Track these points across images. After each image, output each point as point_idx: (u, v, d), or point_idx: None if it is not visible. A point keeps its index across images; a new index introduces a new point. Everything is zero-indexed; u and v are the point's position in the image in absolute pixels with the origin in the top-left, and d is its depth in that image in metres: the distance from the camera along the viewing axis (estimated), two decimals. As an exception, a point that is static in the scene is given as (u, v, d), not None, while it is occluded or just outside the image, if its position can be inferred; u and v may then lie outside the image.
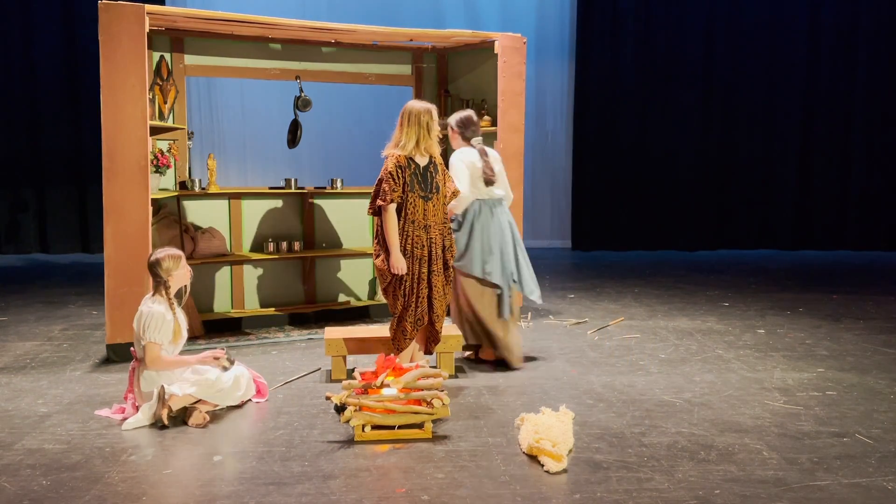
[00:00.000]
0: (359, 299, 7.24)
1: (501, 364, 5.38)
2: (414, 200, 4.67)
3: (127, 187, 5.41)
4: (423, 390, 4.13)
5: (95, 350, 5.86)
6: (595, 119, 11.96)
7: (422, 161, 4.75)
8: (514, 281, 5.40)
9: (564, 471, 3.60)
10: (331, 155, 11.43)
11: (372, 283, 7.29)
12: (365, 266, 7.23)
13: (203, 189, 6.57)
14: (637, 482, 3.49)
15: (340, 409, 4.15)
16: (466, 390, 4.88)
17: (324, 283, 7.12)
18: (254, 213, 6.87)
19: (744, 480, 3.52)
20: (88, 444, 3.94)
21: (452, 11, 11.91)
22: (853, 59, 12.00)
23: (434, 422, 4.11)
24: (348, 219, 7.19)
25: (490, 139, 6.84)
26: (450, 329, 5.29)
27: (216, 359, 4.53)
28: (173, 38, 6.43)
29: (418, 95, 7.26)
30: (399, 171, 4.65)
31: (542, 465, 3.63)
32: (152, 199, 5.61)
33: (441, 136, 4.90)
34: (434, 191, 4.73)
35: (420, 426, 4.05)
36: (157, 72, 6.33)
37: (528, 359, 5.64)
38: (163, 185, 6.40)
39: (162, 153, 6.27)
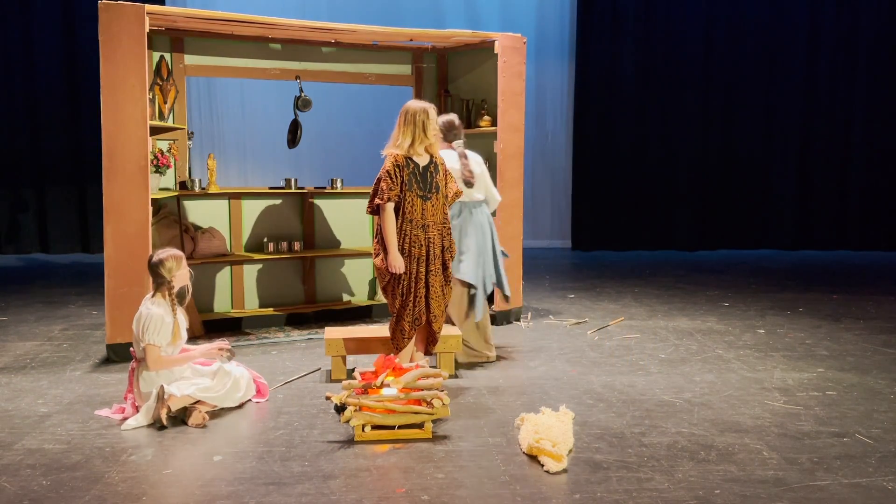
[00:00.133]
0: (359, 299, 7.24)
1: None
2: (412, 199, 4.67)
3: (127, 187, 5.42)
4: (423, 390, 4.12)
5: (95, 350, 5.86)
6: (595, 119, 11.96)
7: (421, 161, 4.75)
8: (494, 283, 5.58)
9: (564, 471, 3.60)
10: (331, 155, 11.44)
11: (372, 283, 7.29)
12: (365, 266, 7.23)
13: (203, 189, 6.57)
14: (637, 482, 3.49)
15: (340, 409, 4.15)
16: (466, 390, 4.88)
17: (324, 283, 7.12)
18: (254, 213, 6.87)
19: (744, 480, 3.52)
20: (88, 444, 3.94)
21: (452, 11, 11.91)
22: (853, 59, 12.01)
23: (434, 422, 4.11)
24: (348, 219, 7.19)
25: (490, 139, 6.84)
26: (450, 329, 5.29)
27: (220, 350, 4.54)
28: (173, 38, 6.43)
29: (418, 95, 7.26)
30: (397, 169, 4.66)
31: (542, 465, 3.63)
32: (152, 199, 5.61)
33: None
34: (434, 191, 4.73)
35: (420, 426, 4.05)
36: (157, 72, 6.33)
37: (528, 359, 5.66)
38: (163, 185, 6.40)
39: (162, 153, 6.27)
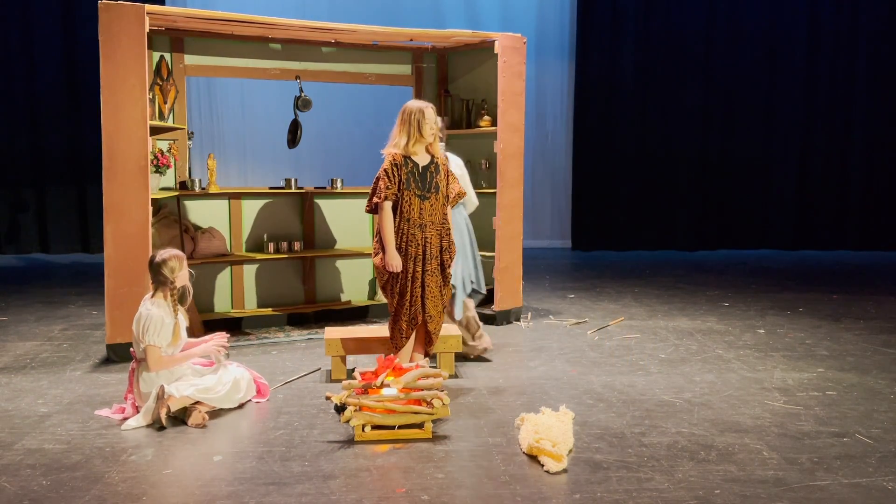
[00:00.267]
0: (359, 299, 7.23)
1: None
2: (410, 198, 4.68)
3: (127, 187, 5.42)
4: (423, 390, 4.13)
5: (95, 350, 5.86)
6: (595, 119, 11.96)
7: (421, 160, 4.76)
8: (471, 282, 5.71)
9: (564, 471, 3.60)
10: (331, 155, 11.44)
11: (372, 283, 7.29)
12: (365, 266, 7.23)
13: (203, 189, 6.57)
14: (637, 482, 3.49)
15: (340, 409, 4.15)
16: (466, 390, 4.88)
17: (324, 283, 7.12)
18: (254, 213, 6.87)
19: (744, 480, 3.52)
20: (88, 444, 3.94)
21: (452, 11, 11.90)
22: (853, 59, 12.01)
23: (434, 422, 4.11)
24: (348, 219, 7.19)
25: (490, 139, 6.84)
26: (450, 329, 5.30)
27: (219, 348, 4.54)
28: (173, 38, 6.43)
29: (418, 95, 7.26)
30: (395, 168, 4.68)
31: (542, 465, 3.63)
32: (152, 199, 5.61)
33: (442, 137, 4.91)
34: (433, 190, 4.73)
35: (420, 426, 4.05)
36: (157, 72, 6.33)
37: (528, 359, 5.66)
38: (163, 185, 6.40)
39: (162, 153, 6.27)
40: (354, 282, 7.24)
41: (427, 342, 4.90)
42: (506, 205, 6.66)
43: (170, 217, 6.41)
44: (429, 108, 4.73)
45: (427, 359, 4.97)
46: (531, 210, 11.74)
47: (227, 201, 6.78)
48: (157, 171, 6.18)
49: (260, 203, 6.90)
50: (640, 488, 3.42)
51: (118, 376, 5.11)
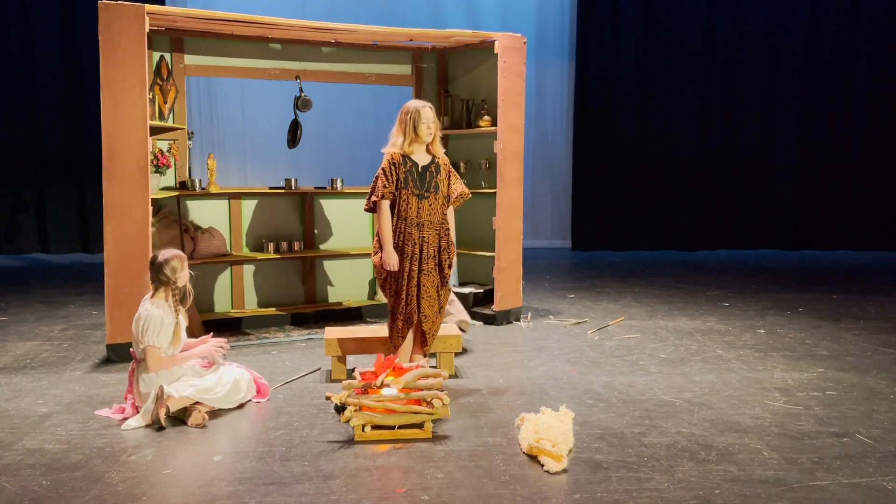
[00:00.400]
0: (359, 299, 7.24)
1: None
2: (407, 198, 4.70)
3: (127, 187, 5.42)
4: (423, 390, 4.13)
5: (95, 350, 5.86)
6: (595, 119, 11.96)
7: (421, 160, 4.76)
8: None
9: (564, 471, 3.60)
10: (331, 155, 11.44)
11: (372, 283, 7.29)
12: (365, 266, 7.24)
13: (203, 189, 6.58)
14: (637, 482, 3.49)
15: (340, 409, 4.15)
16: (466, 390, 4.88)
17: (324, 283, 7.13)
18: (254, 213, 6.87)
19: (744, 480, 3.52)
20: (88, 444, 3.94)
21: (452, 11, 11.90)
22: (853, 59, 12.00)
23: (434, 422, 4.11)
24: (348, 219, 7.19)
25: (490, 139, 6.84)
26: (450, 329, 5.30)
27: (217, 348, 4.54)
28: (173, 38, 6.43)
29: (418, 95, 7.26)
30: (392, 167, 4.71)
31: (542, 465, 3.63)
32: (152, 199, 5.61)
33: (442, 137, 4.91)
34: (432, 190, 4.74)
35: (420, 426, 4.05)
36: (157, 72, 6.33)
37: (528, 359, 5.66)
38: (163, 185, 6.40)
39: (162, 153, 6.27)
40: (354, 282, 7.24)
41: (422, 342, 4.90)
42: (506, 205, 6.66)
43: (170, 217, 6.41)
44: (425, 108, 4.73)
45: (427, 359, 4.97)
46: (531, 210, 11.75)
47: (227, 201, 6.78)
48: (157, 171, 6.18)
49: (260, 203, 6.90)
50: (640, 488, 3.42)
51: (118, 376, 5.11)
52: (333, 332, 5.30)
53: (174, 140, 6.48)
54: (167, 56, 6.41)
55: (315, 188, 7.12)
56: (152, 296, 4.45)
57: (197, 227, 6.60)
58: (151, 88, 6.05)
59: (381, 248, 4.77)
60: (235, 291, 6.78)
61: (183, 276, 4.46)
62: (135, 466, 3.67)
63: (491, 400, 4.68)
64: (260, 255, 6.71)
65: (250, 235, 6.86)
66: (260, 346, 6.04)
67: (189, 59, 6.54)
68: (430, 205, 4.74)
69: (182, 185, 6.49)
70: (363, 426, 4.00)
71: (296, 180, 7.01)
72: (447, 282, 4.89)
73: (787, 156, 12.10)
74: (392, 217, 4.75)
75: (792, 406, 4.58)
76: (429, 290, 4.78)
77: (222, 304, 6.74)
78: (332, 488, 3.42)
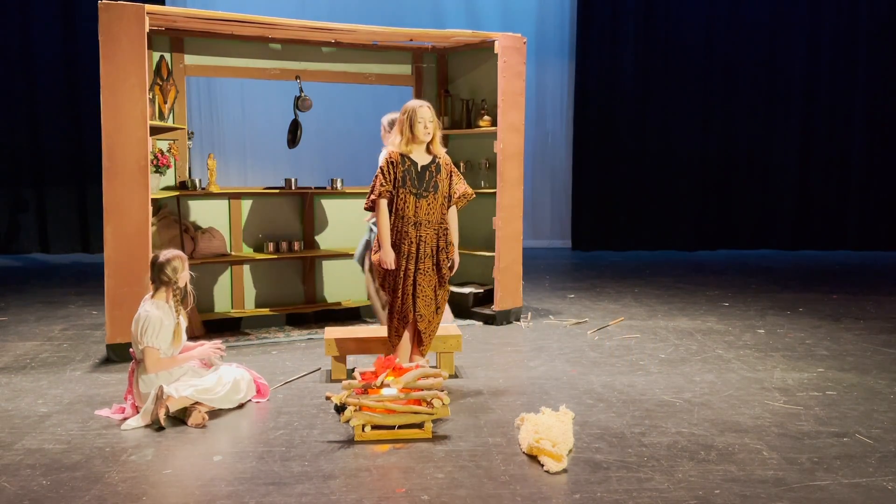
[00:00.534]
0: (359, 299, 7.23)
1: None
2: (405, 196, 4.71)
3: (127, 187, 5.42)
4: (423, 390, 4.13)
5: (95, 350, 5.86)
6: (595, 119, 11.96)
7: (421, 159, 4.77)
8: None
9: (564, 471, 3.60)
10: (331, 155, 11.43)
11: (372, 283, 7.29)
12: (365, 266, 7.23)
13: (203, 189, 6.57)
14: (637, 482, 3.49)
15: (340, 409, 4.15)
16: (466, 390, 4.88)
17: (323, 283, 7.12)
18: (254, 213, 6.87)
19: (744, 480, 3.52)
20: (88, 444, 3.94)
21: (452, 11, 11.90)
22: (853, 59, 12.01)
23: (434, 422, 4.11)
24: (348, 219, 7.18)
25: (490, 139, 6.84)
26: (450, 329, 5.30)
27: (216, 350, 4.54)
28: (173, 38, 6.43)
29: (418, 95, 7.26)
30: (390, 166, 4.74)
31: (542, 465, 3.63)
32: (152, 199, 5.61)
33: (439, 137, 4.90)
34: (431, 190, 4.74)
35: (420, 426, 4.05)
36: (157, 72, 6.33)
37: (528, 359, 5.66)
38: (163, 185, 6.40)
39: (162, 153, 6.28)
40: (354, 282, 7.22)
41: (418, 341, 4.89)
42: (506, 205, 6.66)
43: (170, 217, 6.41)
44: (423, 108, 4.73)
45: (427, 359, 4.97)
46: (531, 210, 11.75)
47: (227, 201, 6.78)
48: (157, 171, 6.18)
49: (260, 203, 6.90)
50: (640, 488, 3.42)
51: (118, 376, 5.11)
52: (333, 332, 5.30)
53: (174, 140, 6.48)
54: (167, 56, 6.41)
55: (315, 188, 7.12)
56: (152, 296, 4.44)
57: (197, 227, 6.60)
58: (151, 88, 6.05)
59: (379, 246, 4.79)
60: (235, 291, 6.78)
61: (184, 277, 4.46)
62: (135, 466, 3.67)
63: (491, 400, 4.68)
64: (260, 255, 6.71)
65: (250, 235, 6.86)
66: (260, 346, 6.04)
67: (189, 59, 6.54)
68: (429, 204, 4.74)
69: (182, 185, 6.49)
70: (363, 426, 4.00)
71: (296, 180, 7.01)
72: (445, 282, 4.88)
73: (787, 156, 12.10)
74: (390, 216, 4.77)
75: (792, 406, 4.58)
76: (425, 289, 4.78)
77: (222, 304, 6.74)
78: (332, 488, 3.42)
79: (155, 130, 6.17)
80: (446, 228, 4.83)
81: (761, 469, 3.64)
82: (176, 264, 4.41)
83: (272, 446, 3.92)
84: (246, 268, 6.82)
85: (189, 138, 6.63)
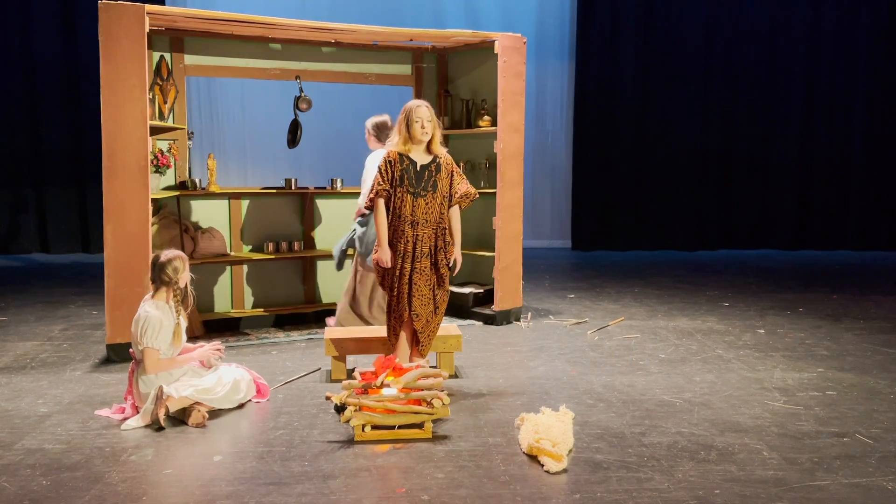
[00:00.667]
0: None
1: None
2: (402, 195, 4.72)
3: (127, 187, 5.42)
4: (423, 390, 4.13)
5: (95, 350, 5.86)
6: (595, 119, 11.96)
7: (420, 158, 4.77)
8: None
9: (564, 471, 3.60)
10: (331, 155, 11.43)
11: (372, 283, 7.28)
12: (365, 266, 7.23)
13: (203, 189, 6.57)
14: (637, 482, 3.49)
15: (340, 409, 4.15)
16: (466, 390, 4.88)
17: (323, 283, 7.12)
18: (254, 213, 6.87)
19: (744, 480, 3.52)
20: (88, 444, 3.94)
21: (452, 11, 11.90)
22: (853, 59, 12.01)
23: (434, 422, 4.11)
24: (348, 219, 7.16)
25: (490, 139, 6.84)
26: (449, 329, 5.30)
27: (215, 351, 4.54)
28: (173, 38, 6.43)
29: (418, 95, 7.26)
30: (388, 166, 4.76)
31: (542, 465, 3.63)
32: (152, 199, 5.61)
33: (440, 136, 4.90)
34: (429, 189, 4.74)
35: (420, 426, 4.05)
36: (157, 72, 6.33)
37: (528, 359, 5.66)
38: (163, 185, 6.40)
39: (162, 153, 6.28)
40: (354, 282, 7.23)
41: (416, 341, 4.89)
42: (506, 205, 6.66)
43: (170, 217, 6.41)
44: (420, 108, 4.73)
45: (427, 359, 4.97)
46: (531, 210, 11.74)
47: (227, 201, 6.78)
48: (157, 171, 6.18)
49: (260, 203, 6.90)
50: (640, 488, 3.42)
51: (118, 376, 5.11)
52: (333, 333, 5.30)
53: (174, 140, 6.48)
54: (167, 56, 6.41)
55: (315, 188, 7.12)
56: (153, 296, 4.44)
57: (197, 227, 6.60)
58: (151, 88, 6.05)
59: (378, 244, 4.83)
60: (235, 291, 6.77)
61: (184, 277, 4.45)
62: (135, 466, 3.67)
63: (491, 400, 4.68)
64: (260, 256, 6.71)
65: (250, 235, 6.86)
66: (260, 346, 6.04)
67: (189, 59, 6.54)
68: (427, 203, 4.74)
69: (182, 185, 6.49)
70: (363, 426, 4.00)
71: (296, 180, 7.01)
72: (445, 282, 4.86)
73: (787, 156, 12.10)
74: (388, 215, 4.79)
75: (792, 406, 4.58)
76: (421, 288, 4.78)
77: (222, 304, 6.74)
78: (332, 488, 3.42)
79: (155, 130, 6.17)
80: (445, 228, 4.82)
81: (761, 469, 3.64)
82: (177, 264, 4.40)
83: (272, 446, 3.92)
84: (246, 268, 6.82)
85: (189, 138, 6.63)
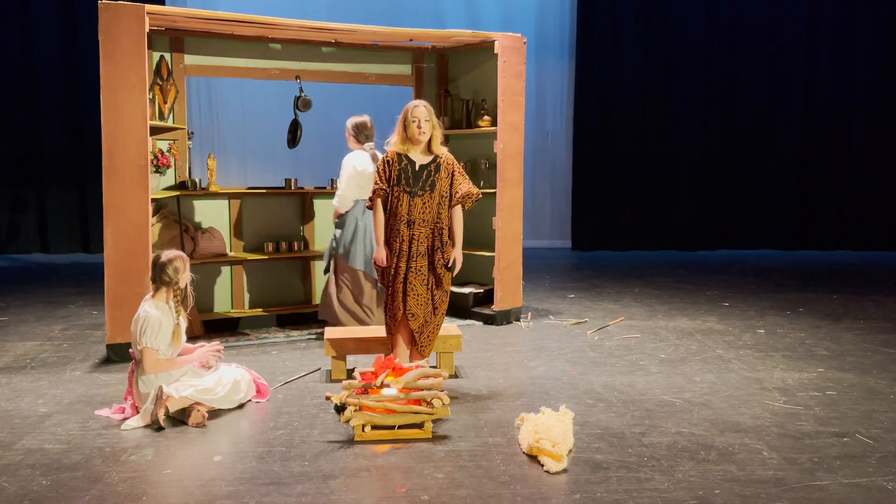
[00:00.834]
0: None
1: None
2: (399, 195, 4.74)
3: (127, 187, 5.42)
4: (423, 390, 4.13)
5: (95, 350, 5.86)
6: (595, 119, 11.96)
7: (420, 158, 4.77)
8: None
9: (564, 471, 3.60)
10: (331, 155, 11.38)
11: (372, 283, 7.28)
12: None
13: (203, 189, 6.58)
14: (637, 482, 3.49)
15: (340, 409, 4.15)
16: (466, 390, 4.88)
17: (323, 284, 7.10)
18: (254, 213, 6.87)
19: (744, 480, 3.52)
20: (88, 444, 3.94)
21: (452, 11, 11.90)
22: (853, 59, 12.01)
23: (434, 422, 4.11)
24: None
25: (490, 139, 6.85)
26: (449, 329, 5.30)
27: (215, 352, 4.54)
28: (173, 38, 6.43)
29: (418, 95, 7.27)
30: (386, 165, 4.79)
31: (542, 465, 3.63)
32: (152, 199, 5.61)
33: (440, 136, 4.90)
34: (427, 189, 4.74)
35: (420, 426, 4.05)
36: (157, 72, 6.33)
37: (528, 359, 5.66)
38: (163, 185, 6.40)
39: (162, 153, 6.28)
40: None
41: (413, 342, 4.87)
42: (506, 205, 6.66)
43: (170, 217, 6.41)
44: (418, 108, 4.73)
45: (427, 359, 4.96)
46: (531, 210, 11.74)
47: (227, 201, 6.78)
48: (157, 171, 6.18)
49: (260, 203, 6.90)
50: (640, 488, 3.42)
51: (118, 376, 5.11)
52: (333, 332, 5.30)
53: (174, 140, 6.48)
54: (167, 56, 6.40)
55: (315, 188, 7.12)
56: (153, 296, 4.44)
57: (197, 227, 6.60)
58: (151, 88, 6.05)
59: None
60: (235, 291, 6.78)
61: (185, 278, 4.45)
62: (135, 466, 3.67)
63: (491, 400, 4.68)
64: (260, 255, 6.71)
65: (250, 235, 6.86)
66: (260, 346, 6.04)
67: (189, 59, 6.54)
68: (424, 203, 4.74)
69: (182, 185, 6.49)
70: (363, 426, 4.00)
71: (296, 180, 7.01)
72: (443, 282, 4.84)
73: (787, 156, 12.10)
74: (386, 214, 4.81)
75: (792, 406, 4.58)
76: (416, 288, 4.77)
77: (222, 304, 6.74)
78: (332, 488, 3.43)
79: (155, 130, 6.17)
80: (442, 228, 4.80)
81: (761, 469, 3.64)
82: (177, 265, 4.40)
83: (272, 446, 3.92)
84: (246, 268, 6.82)
85: (189, 138, 6.63)
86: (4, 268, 10.27)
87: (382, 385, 4.12)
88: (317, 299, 7.08)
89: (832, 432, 4.13)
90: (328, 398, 4.18)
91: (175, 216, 6.43)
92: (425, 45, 7.31)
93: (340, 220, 6.06)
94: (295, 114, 6.97)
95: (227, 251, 6.71)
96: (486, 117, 6.98)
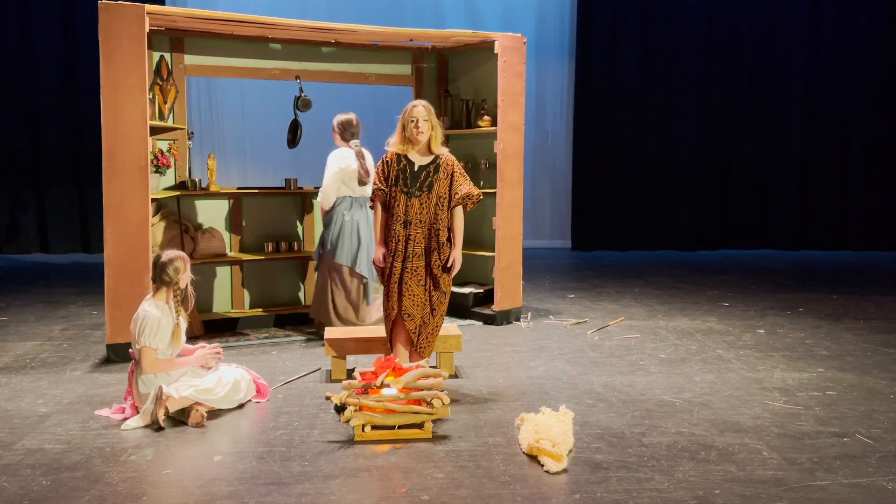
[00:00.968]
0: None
1: None
2: (396, 195, 4.77)
3: (127, 187, 5.42)
4: (423, 390, 4.13)
5: (95, 350, 5.86)
6: (595, 119, 11.96)
7: (419, 159, 4.77)
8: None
9: (564, 471, 3.60)
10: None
11: (372, 283, 7.28)
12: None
13: (203, 189, 6.58)
14: (637, 482, 3.49)
15: (340, 409, 4.15)
16: (466, 390, 4.88)
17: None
18: (254, 213, 6.87)
19: (744, 480, 3.52)
20: (88, 444, 3.94)
21: (452, 11, 11.90)
22: (853, 59, 12.00)
23: (434, 422, 4.11)
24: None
25: (490, 139, 6.84)
26: (449, 329, 5.30)
27: (216, 354, 4.53)
28: (173, 38, 6.43)
29: (418, 95, 7.26)
30: (384, 166, 4.82)
31: (542, 465, 3.63)
32: (152, 199, 5.61)
33: (440, 136, 4.90)
34: (424, 189, 4.74)
35: (420, 426, 4.05)
36: (157, 72, 6.33)
37: (528, 359, 5.66)
38: (163, 185, 6.40)
39: (162, 153, 6.28)
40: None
41: (411, 342, 4.86)
42: (506, 205, 6.66)
43: (170, 217, 6.41)
44: (416, 108, 4.74)
45: (427, 359, 4.96)
46: (531, 210, 11.73)
47: (227, 201, 6.78)
48: (157, 171, 6.18)
49: (260, 203, 6.90)
50: (640, 488, 3.42)
51: (118, 376, 5.11)
52: (333, 332, 5.30)
53: (174, 140, 6.48)
54: (167, 56, 6.40)
55: (315, 188, 7.11)
56: (153, 296, 4.44)
57: (197, 227, 6.60)
58: (151, 88, 6.05)
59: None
60: (235, 291, 6.77)
61: (185, 278, 4.45)
62: (135, 466, 3.67)
63: (491, 400, 4.68)
64: (260, 255, 6.70)
65: (250, 235, 6.86)
66: (260, 346, 6.04)
67: (189, 59, 6.54)
68: (421, 203, 4.75)
69: (182, 185, 6.49)
70: (363, 426, 4.00)
71: (296, 180, 7.01)
72: (440, 283, 4.81)
73: (787, 156, 12.09)
74: (383, 214, 4.83)
75: (792, 406, 4.58)
76: (412, 288, 4.76)
77: (222, 304, 6.73)
78: (332, 488, 3.43)
79: (155, 130, 6.17)
80: (439, 229, 4.78)
81: (761, 469, 3.64)
82: (178, 265, 4.41)
83: (272, 446, 3.92)
84: (246, 268, 6.82)
85: (189, 138, 6.63)
86: (4, 268, 10.27)
87: (382, 385, 4.12)
88: (317, 299, 7.08)
89: (832, 432, 4.13)
90: (328, 398, 4.18)
91: (175, 216, 6.43)
92: (425, 45, 7.31)
93: (327, 217, 6.14)
94: (295, 114, 6.98)
95: (227, 251, 6.71)
96: (486, 117, 6.98)
